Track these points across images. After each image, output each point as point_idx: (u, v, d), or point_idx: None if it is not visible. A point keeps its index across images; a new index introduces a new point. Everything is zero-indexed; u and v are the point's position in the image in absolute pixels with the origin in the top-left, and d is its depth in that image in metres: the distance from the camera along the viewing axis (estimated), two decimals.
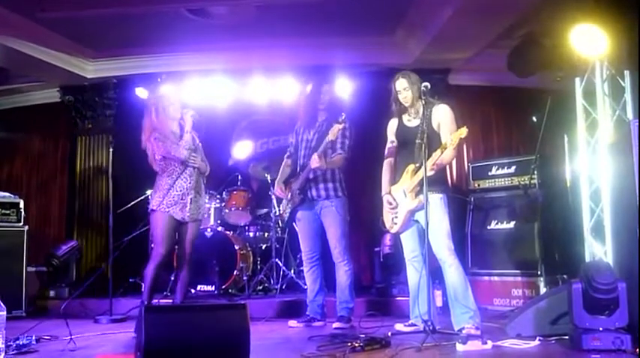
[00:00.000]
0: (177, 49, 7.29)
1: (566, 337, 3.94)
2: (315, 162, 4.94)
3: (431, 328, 4.05)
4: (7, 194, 6.25)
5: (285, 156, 5.55)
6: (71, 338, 4.19)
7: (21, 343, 3.96)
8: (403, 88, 4.62)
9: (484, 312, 5.14)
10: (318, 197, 5.17)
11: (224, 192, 7.10)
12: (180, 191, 4.99)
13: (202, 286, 6.62)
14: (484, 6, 5.68)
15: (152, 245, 5.29)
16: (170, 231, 5.00)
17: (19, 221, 6.17)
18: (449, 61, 7.35)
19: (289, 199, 5.30)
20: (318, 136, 5.21)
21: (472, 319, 4.33)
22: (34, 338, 4.09)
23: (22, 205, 6.22)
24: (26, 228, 6.19)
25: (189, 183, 5.02)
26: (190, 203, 5.01)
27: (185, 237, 5.10)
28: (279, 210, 5.61)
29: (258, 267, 7.01)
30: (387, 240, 6.52)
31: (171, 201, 4.97)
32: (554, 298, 4.29)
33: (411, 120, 4.69)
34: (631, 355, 3.49)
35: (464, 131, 4.21)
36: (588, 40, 4.82)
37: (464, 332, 4.17)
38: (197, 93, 7.40)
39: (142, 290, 6.65)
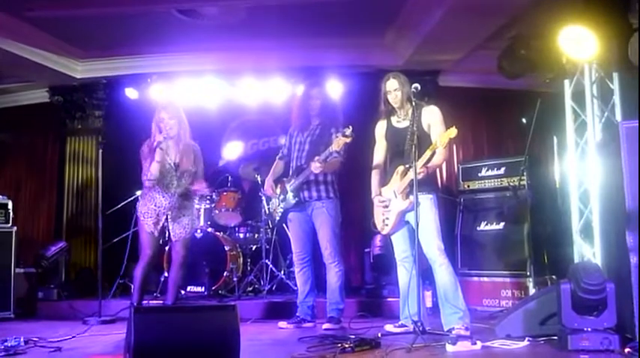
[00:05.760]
0: (168, 50, 7.27)
1: (555, 337, 3.96)
2: (316, 169, 4.94)
3: (421, 329, 4.06)
4: None
5: (277, 157, 5.55)
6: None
7: (9, 345, 3.93)
8: (394, 88, 4.63)
9: (473, 313, 5.16)
10: (310, 198, 5.17)
11: (214, 193, 7.08)
12: (157, 207, 5.07)
13: (192, 287, 6.60)
14: (474, 8, 5.70)
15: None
16: (152, 238, 5.05)
17: (7, 222, 6.12)
18: (439, 63, 7.38)
19: (281, 199, 5.31)
20: (311, 139, 5.23)
21: (462, 319, 4.34)
22: (22, 339, 4.06)
23: (10, 206, 6.17)
24: (14, 228, 6.14)
25: (169, 202, 5.06)
26: (171, 222, 5.06)
27: (172, 249, 5.15)
28: (270, 209, 5.62)
29: (249, 268, 7.00)
30: (378, 241, 6.53)
31: (148, 213, 5.05)
32: (543, 299, 4.31)
33: (400, 122, 4.69)
34: (619, 355, 3.52)
35: (453, 131, 4.23)
36: (577, 43, 4.85)
37: (453, 332, 4.18)
38: (187, 94, 7.38)
39: (132, 291, 6.67)
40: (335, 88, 7.21)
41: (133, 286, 5.21)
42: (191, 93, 7.45)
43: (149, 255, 5.05)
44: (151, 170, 4.95)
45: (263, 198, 6.66)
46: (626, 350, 3.52)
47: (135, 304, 4.98)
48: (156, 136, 5.00)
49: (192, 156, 5.20)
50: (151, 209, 5.05)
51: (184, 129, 5.18)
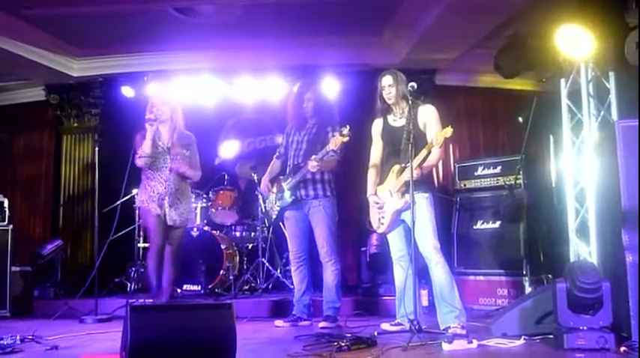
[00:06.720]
0: (164, 48, 7.25)
1: (551, 336, 3.97)
2: (313, 167, 4.95)
3: (417, 327, 4.05)
4: None
5: (275, 156, 5.55)
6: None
7: (5, 343, 3.92)
8: (388, 84, 4.62)
9: (470, 312, 5.16)
10: (307, 196, 5.17)
11: (210, 192, 7.08)
12: (157, 194, 5.13)
13: (188, 286, 6.60)
14: (471, 7, 5.70)
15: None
16: (159, 222, 5.08)
17: (3, 220, 6.11)
18: (436, 62, 7.39)
19: (278, 197, 5.31)
20: (308, 138, 5.24)
21: (458, 318, 4.35)
22: (18, 338, 4.06)
23: (6, 204, 6.17)
24: (11, 227, 6.14)
25: (165, 187, 5.13)
26: (168, 207, 5.09)
27: (167, 241, 5.16)
28: (266, 207, 5.62)
29: (245, 266, 7.00)
30: (374, 239, 6.53)
31: (150, 199, 5.14)
32: (539, 297, 4.31)
33: (397, 120, 4.69)
34: (614, 354, 3.52)
35: (449, 131, 4.23)
36: (574, 42, 4.86)
37: (450, 331, 4.19)
38: (184, 92, 7.37)
39: (128, 289, 6.68)
40: (332, 87, 7.21)
41: (150, 282, 5.22)
42: (188, 92, 7.43)
43: (158, 243, 5.14)
44: (143, 147, 5.04)
45: (259, 196, 6.66)
46: (622, 348, 3.53)
47: (167, 299, 5.08)
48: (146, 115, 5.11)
49: (186, 143, 5.26)
50: (151, 196, 5.15)
51: (177, 116, 5.26)
